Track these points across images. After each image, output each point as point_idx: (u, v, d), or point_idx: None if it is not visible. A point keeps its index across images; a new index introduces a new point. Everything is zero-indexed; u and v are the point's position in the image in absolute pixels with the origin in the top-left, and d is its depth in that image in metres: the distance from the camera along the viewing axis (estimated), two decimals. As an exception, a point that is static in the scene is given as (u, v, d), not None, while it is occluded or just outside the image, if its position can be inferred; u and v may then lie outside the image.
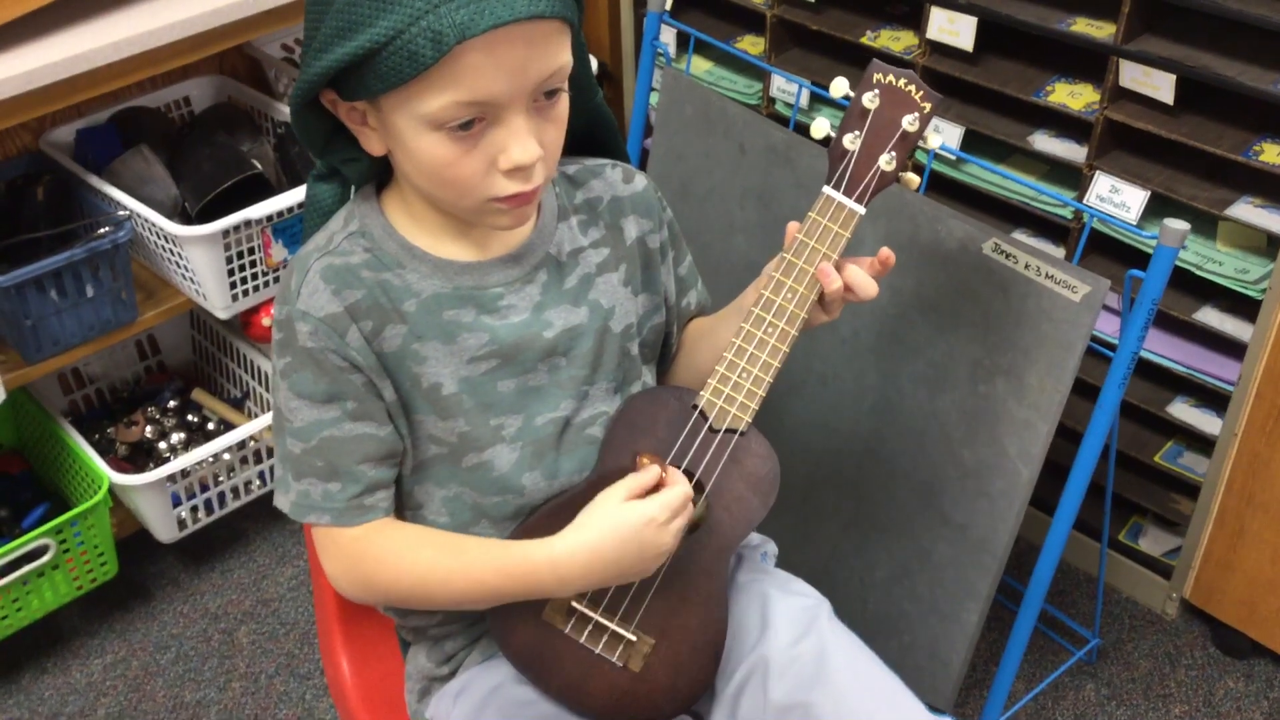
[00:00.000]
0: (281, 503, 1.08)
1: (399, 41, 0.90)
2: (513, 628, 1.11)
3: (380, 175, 1.09)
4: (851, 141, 1.08)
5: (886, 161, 1.08)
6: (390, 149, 1.00)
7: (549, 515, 1.09)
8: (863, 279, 1.08)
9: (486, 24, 0.89)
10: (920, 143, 1.09)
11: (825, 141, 1.10)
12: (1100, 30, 1.62)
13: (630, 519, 1.02)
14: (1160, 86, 1.57)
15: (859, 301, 1.09)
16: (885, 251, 1.10)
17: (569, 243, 1.11)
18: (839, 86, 1.11)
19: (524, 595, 1.06)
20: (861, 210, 1.08)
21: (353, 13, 0.91)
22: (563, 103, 0.99)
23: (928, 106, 1.07)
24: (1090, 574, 1.97)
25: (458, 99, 0.92)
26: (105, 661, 1.91)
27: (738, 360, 1.09)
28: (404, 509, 1.12)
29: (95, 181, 1.81)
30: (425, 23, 0.89)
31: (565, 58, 0.96)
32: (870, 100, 1.08)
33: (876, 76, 1.08)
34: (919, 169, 1.11)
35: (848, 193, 1.08)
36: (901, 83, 1.07)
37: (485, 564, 1.05)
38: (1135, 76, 1.59)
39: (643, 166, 1.70)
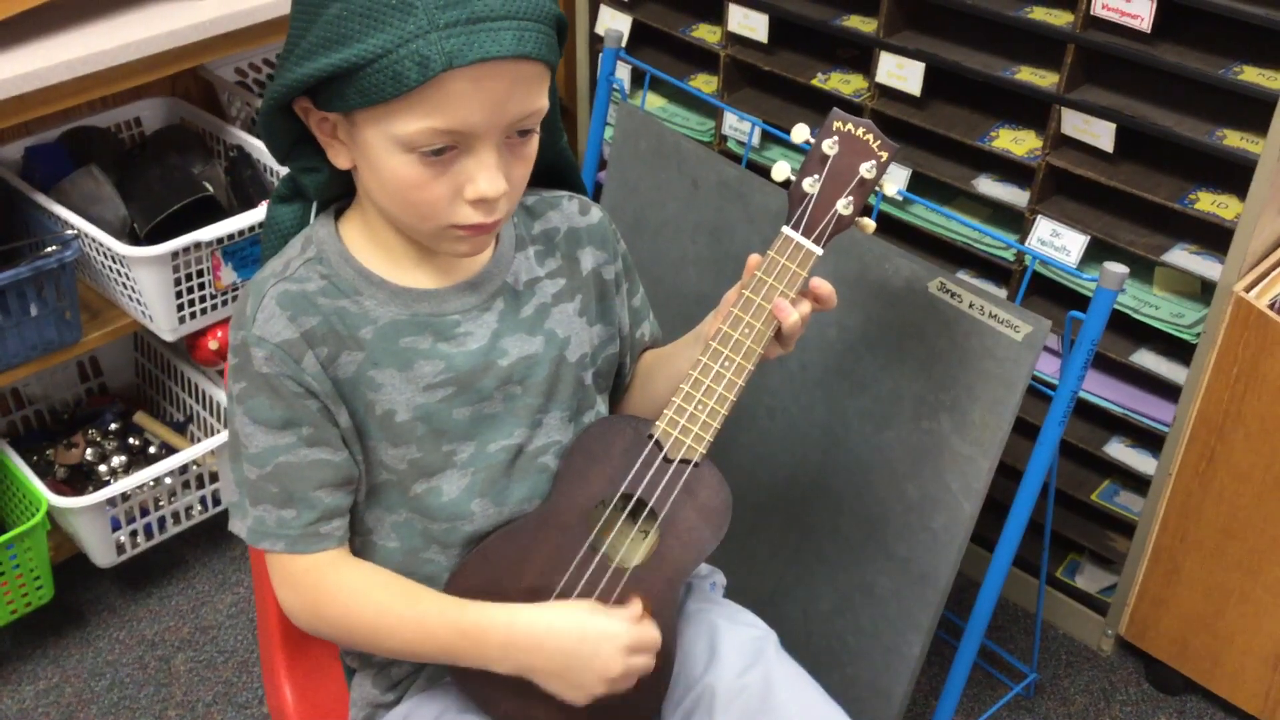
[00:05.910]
0: (238, 528, 1.07)
1: (385, 61, 0.90)
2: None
3: (340, 197, 1.10)
4: (811, 185, 1.11)
5: (844, 206, 1.11)
6: (356, 164, 1.01)
7: (501, 540, 1.10)
8: (803, 303, 1.12)
9: (474, 57, 0.90)
10: (877, 189, 1.12)
11: (785, 184, 1.13)
12: (1043, 79, 1.66)
13: (598, 625, 1.04)
14: (1100, 135, 1.62)
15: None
16: (816, 281, 1.12)
17: (526, 272, 1.12)
18: (800, 132, 1.14)
19: (468, 655, 1.06)
20: (819, 251, 1.11)
21: (343, 25, 0.91)
22: (533, 143, 1.00)
23: (885, 155, 1.10)
24: (1028, 610, 2.00)
25: (434, 125, 0.93)
26: (38, 688, 1.87)
27: (694, 392, 1.10)
28: (354, 534, 1.11)
29: (43, 200, 1.79)
30: (414, 46, 0.90)
31: (543, 101, 0.98)
32: (830, 147, 1.11)
33: (836, 124, 1.11)
34: (867, 210, 1.14)
35: (806, 234, 1.11)
36: (860, 131, 1.10)
37: (438, 616, 1.05)
38: (1076, 125, 1.63)
39: (596, 200, 1.71)
